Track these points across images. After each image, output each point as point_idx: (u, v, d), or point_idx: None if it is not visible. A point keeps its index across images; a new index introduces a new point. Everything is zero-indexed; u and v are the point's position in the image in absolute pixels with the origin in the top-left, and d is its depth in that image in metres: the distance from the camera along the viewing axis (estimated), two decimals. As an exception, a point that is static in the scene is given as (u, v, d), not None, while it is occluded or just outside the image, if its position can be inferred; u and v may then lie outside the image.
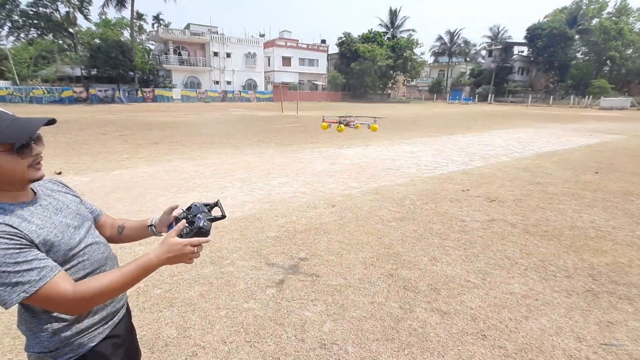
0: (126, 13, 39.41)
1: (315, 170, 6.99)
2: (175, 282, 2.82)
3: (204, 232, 1.01)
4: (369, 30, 51.24)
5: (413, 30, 56.29)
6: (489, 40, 62.51)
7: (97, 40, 35.91)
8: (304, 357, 2.05)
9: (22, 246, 0.82)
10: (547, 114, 28.25)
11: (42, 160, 0.94)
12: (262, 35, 52.74)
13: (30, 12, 35.40)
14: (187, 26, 42.36)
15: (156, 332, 2.23)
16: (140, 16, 46.58)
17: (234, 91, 41.57)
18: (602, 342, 2.20)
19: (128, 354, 1.17)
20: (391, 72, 51.14)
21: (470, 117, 23.77)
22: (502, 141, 11.88)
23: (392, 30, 55.52)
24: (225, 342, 2.16)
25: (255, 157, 8.26)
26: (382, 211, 4.59)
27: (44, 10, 35.87)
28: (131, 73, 35.04)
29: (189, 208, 1.11)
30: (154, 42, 44.12)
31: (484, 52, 63.64)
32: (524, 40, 54.07)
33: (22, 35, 37.16)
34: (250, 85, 44.65)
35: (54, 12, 36.43)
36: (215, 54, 41.35)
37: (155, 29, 43.41)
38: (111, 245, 1.17)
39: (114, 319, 1.10)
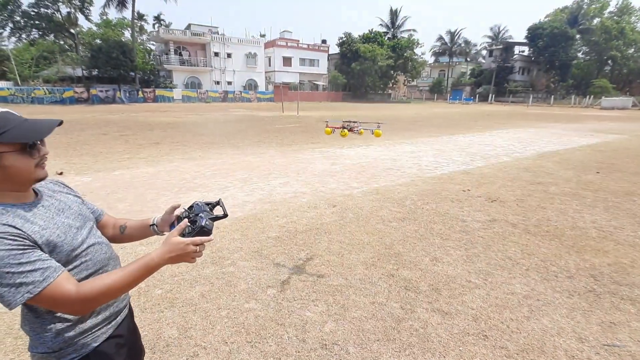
0: (127, 13, 39.54)
1: (316, 170, 6.99)
2: (176, 282, 2.82)
3: (206, 231, 1.01)
4: (369, 31, 51.24)
5: (414, 30, 56.31)
6: (489, 40, 62.56)
7: (98, 41, 35.94)
8: (305, 357, 2.05)
9: (26, 247, 0.82)
10: (548, 114, 28.20)
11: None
12: (262, 36, 52.82)
13: (32, 13, 35.50)
14: (188, 26, 42.39)
15: (157, 333, 2.23)
16: (141, 16, 46.64)
17: (234, 91, 41.59)
18: (605, 342, 2.19)
19: (131, 353, 1.17)
20: (392, 72, 51.10)
21: (471, 117, 23.75)
22: (503, 141, 11.86)
23: (392, 30, 55.50)
24: (226, 343, 2.16)
25: (256, 157, 8.26)
26: (383, 211, 4.59)
27: (46, 11, 35.97)
28: (132, 73, 35.08)
29: (191, 207, 1.11)
30: (154, 43, 44.17)
31: (484, 52, 63.63)
32: (524, 40, 54.01)
33: (23, 36, 37.28)
34: (251, 86, 44.67)
35: (55, 12, 36.52)
36: (216, 54, 41.38)
37: (156, 29, 43.45)
38: (112, 245, 1.17)
39: (117, 319, 1.10)
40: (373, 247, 3.51)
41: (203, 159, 7.88)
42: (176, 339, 2.18)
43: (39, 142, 0.91)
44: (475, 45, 65.64)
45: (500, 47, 58.04)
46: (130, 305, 1.22)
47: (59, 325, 0.95)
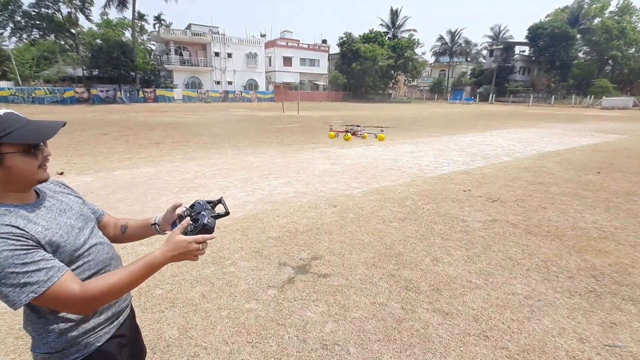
0: (127, 14, 39.54)
1: (316, 170, 6.98)
2: (176, 282, 2.82)
3: (208, 229, 1.02)
4: (370, 30, 51.21)
5: (414, 30, 56.18)
6: (490, 40, 62.53)
7: (98, 41, 35.96)
8: (306, 357, 2.05)
9: (29, 247, 0.83)
10: (549, 114, 28.18)
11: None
12: (263, 36, 52.75)
13: (33, 13, 35.54)
14: (189, 26, 42.40)
15: (158, 333, 2.23)
16: (141, 17, 46.66)
17: (235, 91, 41.60)
18: (606, 343, 2.19)
19: (133, 353, 1.17)
20: (392, 72, 51.06)
21: (471, 117, 23.73)
22: (504, 141, 11.85)
23: (393, 30, 55.46)
24: (227, 343, 2.16)
25: (256, 157, 8.26)
26: (384, 211, 4.59)
27: (46, 11, 36.01)
28: (132, 73, 35.09)
29: (192, 206, 1.12)
30: (155, 43, 44.19)
31: (485, 52, 63.58)
32: (525, 40, 53.96)
33: (24, 36, 37.32)
34: (252, 86, 44.68)
35: (56, 12, 36.56)
36: (217, 54, 41.39)
37: (157, 29, 43.49)
38: (113, 245, 1.17)
39: (119, 319, 1.11)
40: (374, 247, 3.51)
41: (203, 159, 7.88)
42: (177, 339, 2.18)
43: (41, 144, 0.91)
44: (475, 45, 65.69)
45: (501, 47, 58.00)
46: (131, 305, 1.22)
47: (62, 326, 0.95)
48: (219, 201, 1.17)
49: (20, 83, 31.99)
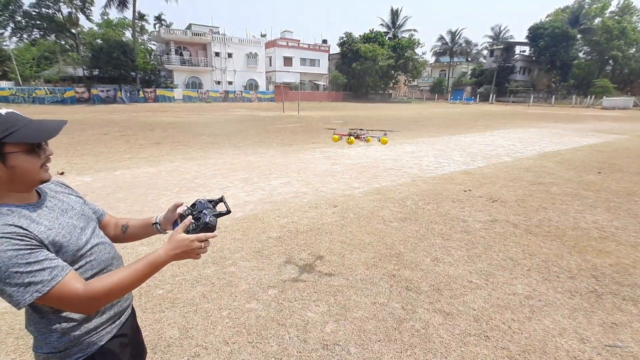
0: (128, 14, 39.56)
1: (316, 170, 6.98)
2: (177, 282, 2.82)
3: (210, 228, 1.02)
4: (370, 30, 51.20)
5: (414, 30, 56.15)
6: (490, 40, 62.48)
7: (99, 41, 35.97)
8: (306, 357, 2.05)
9: (33, 247, 0.83)
10: (549, 114, 28.16)
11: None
12: (263, 36, 52.78)
13: (33, 13, 35.55)
14: (189, 26, 42.42)
15: (158, 333, 2.23)
16: (142, 16, 46.67)
17: (235, 91, 41.61)
18: (607, 343, 2.19)
19: (135, 353, 1.17)
20: (392, 72, 51.05)
21: (471, 117, 23.73)
22: (504, 141, 11.85)
23: (393, 30, 55.45)
24: (228, 343, 2.16)
25: (256, 157, 8.26)
26: (384, 211, 4.59)
27: (47, 11, 36.01)
28: (133, 73, 35.10)
29: (194, 205, 1.12)
30: (155, 43, 44.21)
31: (485, 52, 63.54)
32: (525, 40, 53.96)
33: (24, 36, 37.32)
34: (252, 86, 44.69)
35: (57, 12, 36.56)
36: (217, 54, 41.39)
37: (157, 29, 43.52)
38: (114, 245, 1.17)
39: (121, 318, 1.11)
40: (374, 247, 3.51)
41: (204, 159, 7.88)
42: (177, 339, 2.18)
43: (43, 143, 0.92)
44: (476, 45, 65.68)
45: (501, 47, 57.96)
46: (132, 305, 1.22)
47: (65, 325, 0.95)
48: (220, 200, 1.17)
49: (21, 83, 32.03)
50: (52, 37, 38.45)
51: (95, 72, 35.11)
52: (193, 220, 1.03)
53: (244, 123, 16.75)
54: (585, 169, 7.41)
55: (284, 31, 49.77)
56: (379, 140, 3.18)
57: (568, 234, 3.91)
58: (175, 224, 1.17)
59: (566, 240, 3.74)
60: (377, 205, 4.82)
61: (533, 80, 56.16)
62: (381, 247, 3.51)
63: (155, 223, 1.23)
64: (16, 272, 0.79)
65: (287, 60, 47.77)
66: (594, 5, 50.36)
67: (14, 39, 37.08)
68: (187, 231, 1.01)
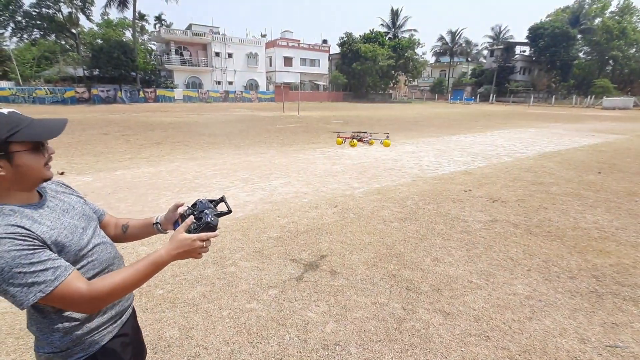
0: (128, 14, 39.68)
1: (317, 170, 6.98)
2: (177, 282, 2.82)
3: (211, 227, 1.03)
4: (370, 31, 51.21)
5: (415, 30, 56.20)
6: (490, 40, 62.48)
7: (99, 41, 35.99)
8: (307, 358, 2.05)
9: (36, 247, 0.83)
10: (549, 114, 28.16)
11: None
12: (263, 36, 52.77)
13: (33, 13, 35.54)
14: (189, 26, 42.42)
15: (159, 333, 2.23)
16: (142, 17, 46.67)
17: (235, 91, 41.62)
18: (607, 343, 2.18)
19: (135, 352, 1.18)
20: (392, 72, 51.06)
21: (472, 117, 23.72)
22: (504, 141, 11.84)
23: (393, 30, 55.45)
24: (228, 343, 2.16)
25: (257, 157, 8.26)
26: (384, 211, 4.59)
27: (47, 11, 35.99)
28: (133, 73, 35.11)
29: (194, 205, 1.12)
30: (155, 43, 44.20)
31: (485, 52, 63.54)
32: (525, 40, 53.96)
33: (25, 36, 37.30)
34: (252, 86, 44.69)
35: (57, 12, 36.55)
36: (217, 54, 41.40)
37: (157, 29, 43.49)
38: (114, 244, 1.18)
39: (122, 318, 1.11)
40: (374, 248, 3.51)
41: (204, 159, 7.88)
42: (177, 339, 2.18)
43: (46, 142, 0.93)
44: (476, 45, 65.72)
45: (502, 47, 57.96)
46: (133, 305, 1.22)
47: (67, 325, 0.95)
48: (221, 200, 1.18)
49: (21, 83, 32.03)
50: (53, 37, 38.44)
51: (96, 72, 35.12)
52: (194, 220, 1.03)
53: (244, 123, 16.75)
54: (586, 169, 7.41)
55: (284, 31, 49.77)
56: (382, 143, 3.23)
57: (568, 234, 3.91)
58: (176, 224, 1.17)
59: (566, 241, 3.74)
60: (378, 206, 4.82)
61: (533, 80, 56.16)
62: (381, 247, 3.51)
63: (156, 223, 1.23)
64: (19, 272, 0.79)
65: (287, 60, 47.77)
66: (594, 6, 50.35)
67: (14, 39, 37.13)
68: (188, 231, 1.01)
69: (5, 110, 0.85)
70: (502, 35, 60.81)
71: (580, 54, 53.25)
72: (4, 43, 36.68)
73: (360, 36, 50.08)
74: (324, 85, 51.17)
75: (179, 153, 8.60)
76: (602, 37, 47.09)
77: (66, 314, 0.95)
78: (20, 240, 0.81)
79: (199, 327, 2.30)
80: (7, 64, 34.34)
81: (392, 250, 3.44)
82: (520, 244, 3.63)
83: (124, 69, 33.63)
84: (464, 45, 63.09)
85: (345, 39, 48.94)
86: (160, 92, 36.01)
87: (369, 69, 46.53)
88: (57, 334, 0.95)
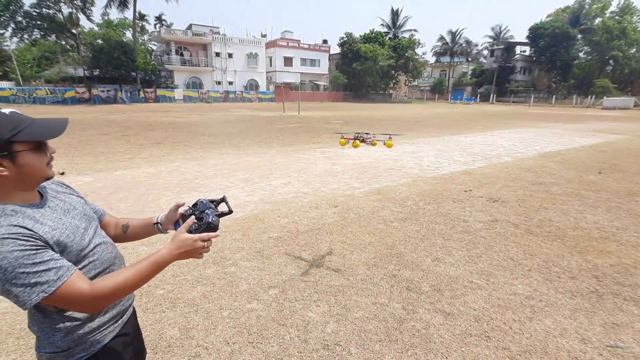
0: (128, 14, 39.72)
1: (317, 170, 6.98)
2: (178, 282, 2.82)
3: (212, 227, 1.03)
4: (370, 31, 51.22)
5: (415, 30, 56.21)
6: (490, 40, 62.45)
7: (99, 41, 35.98)
8: (307, 358, 2.05)
9: (38, 247, 0.83)
10: (550, 114, 28.15)
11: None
12: (264, 36, 52.79)
13: (34, 13, 35.55)
14: (189, 27, 42.44)
15: (159, 333, 2.23)
16: (142, 17, 46.68)
17: (235, 91, 41.62)
18: (608, 343, 2.18)
19: (136, 352, 1.18)
20: (393, 72, 51.05)
21: (472, 117, 23.72)
22: (505, 141, 11.84)
23: (393, 30, 55.45)
24: (228, 343, 2.16)
25: (257, 157, 8.26)
26: (385, 211, 4.58)
27: (47, 11, 36.00)
28: (133, 73, 35.11)
29: (195, 205, 1.12)
30: (156, 43, 44.21)
31: (485, 52, 63.52)
32: (526, 40, 53.92)
33: (25, 36, 37.30)
34: (252, 86, 44.70)
35: (57, 13, 36.56)
36: (217, 54, 41.40)
37: (158, 29, 43.51)
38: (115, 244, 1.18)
39: (123, 318, 1.12)
40: (375, 248, 3.50)
41: (204, 159, 7.88)
42: (178, 339, 2.18)
43: (47, 142, 0.93)
44: (476, 45, 65.76)
45: (502, 47, 57.94)
46: (133, 305, 1.22)
47: (68, 324, 0.95)
48: (222, 200, 1.18)
49: (22, 83, 32.02)
50: (53, 37, 38.44)
51: (96, 73, 35.12)
52: (196, 220, 1.04)
53: (244, 123, 16.75)
54: (586, 169, 7.40)
55: (285, 31, 49.77)
56: (384, 144, 3.25)
57: (569, 234, 3.90)
58: (176, 224, 1.17)
59: (567, 241, 3.74)
60: (378, 206, 4.82)
61: (533, 80, 56.15)
62: (382, 247, 3.51)
63: (157, 223, 1.23)
64: (22, 272, 0.79)
65: (288, 61, 47.77)
66: (595, 6, 50.31)
67: (15, 39, 37.12)
68: (189, 231, 1.01)
69: (6, 110, 0.85)
70: (502, 35, 60.81)
71: (581, 54, 53.22)
72: (5, 43, 36.70)
73: (360, 36, 50.08)
74: (324, 85, 51.17)
75: (179, 153, 8.60)
76: (603, 37, 47.06)
77: (68, 313, 0.95)
78: (23, 240, 0.81)
79: (200, 327, 2.30)
80: (8, 64, 34.34)
81: (393, 251, 3.44)
82: (521, 244, 3.63)
83: (125, 69, 33.63)
84: (464, 45, 63.12)
85: (345, 39, 48.94)
86: (160, 92, 36.02)
87: (369, 69, 46.52)
88: (58, 333, 0.95)
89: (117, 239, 1.23)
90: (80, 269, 0.94)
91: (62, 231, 0.92)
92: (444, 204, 4.95)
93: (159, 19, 49.09)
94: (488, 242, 3.68)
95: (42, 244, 0.85)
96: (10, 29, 35.77)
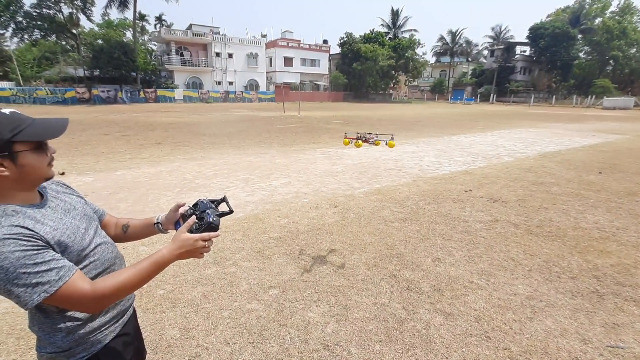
0: (128, 14, 39.71)
1: (317, 170, 6.98)
2: (178, 282, 2.82)
3: (213, 227, 1.03)
4: (370, 31, 51.23)
5: (415, 30, 56.23)
6: (491, 40, 62.42)
7: (99, 41, 35.96)
8: (307, 358, 2.05)
9: (40, 247, 0.83)
10: (550, 114, 28.14)
11: None
12: (264, 36, 52.78)
13: (34, 14, 35.57)
14: (189, 27, 42.43)
15: (159, 333, 2.23)
16: (142, 17, 46.68)
17: (235, 92, 41.63)
18: (608, 344, 2.18)
19: (137, 352, 1.18)
20: (393, 72, 51.06)
21: (472, 117, 23.71)
22: (505, 141, 11.84)
23: (394, 30, 55.46)
24: (229, 343, 2.16)
25: (257, 157, 8.26)
26: (385, 212, 4.58)
27: (47, 11, 36.03)
28: (133, 73, 35.11)
29: (196, 205, 1.12)
30: (156, 43, 44.22)
31: (486, 52, 63.51)
32: (526, 40, 53.92)
33: (25, 36, 37.32)
34: (252, 86, 44.70)
35: (57, 13, 36.58)
36: (217, 54, 41.41)
37: (158, 29, 43.54)
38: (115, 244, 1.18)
39: (124, 318, 1.12)
40: (375, 248, 3.50)
41: (204, 159, 7.88)
42: (178, 340, 2.18)
43: (47, 142, 0.94)
44: (476, 45, 65.73)
45: (502, 47, 57.93)
46: (133, 305, 1.22)
47: (69, 324, 0.95)
48: (222, 200, 1.18)
49: (22, 83, 32.03)
50: (53, 37, 38.45)
51: (96, 73, 35.12)
52: (196, 220, 1.04)
53: (244, 123, 16.75)
54: (586, 169, 7.40)
55: (285, 31, 49.78)
56: (387, 144, 3.26)
57: (569, 234, 3.90)
58: (177, 224, 1.17)
59: (567, 241, 3.73)
60: (378, 206, 4.82)
61: (534, 80, 56.14)
62: (382, 248, 3.51)
63: (157, 223, 1.23)
64: (24, 272, 0.79)
65: (288, 61, 47.77)
66: (595, 6, 50.31)
67: (15, 39, 37.14)
68: (190, 231, 1.02)
69: (6, 110, 0.85)
70: (502, 35, 60.79)
71: (581, 54, 53.21)
72: (5, 43, 36.73)
73: (360, 36, 50.08)
74: (324, 86, 51.18)
75: (179, 153, 8.60)
76: (603, 37, 47.04)
77: (69, 313, 0.95)
78: (24, 240, 0.81)
79: (200, 327, 2.30)
80: (8, 64, 34.34)
81: (393, 251, 3.44)
82: (521, 244, 3.63)
83: (125, 69, 33.63)
84: (464, 45, 63.11)
85: (345, 39, 48.93)
86: (160, 92, 36.01)
87: (369, 69, 46.53)
88: (59, 333, 0.95)
89: (117, 239, 1.23)
90: (81, 269, 0.94)
91: (62, 231, 0.92)
92: (444, 204, 4.95)
93: (159, 19, 49.11)
94: (488, 242, 3.68)
95: (43, 244, 0.85)
96: (10, 29, 35.84)
